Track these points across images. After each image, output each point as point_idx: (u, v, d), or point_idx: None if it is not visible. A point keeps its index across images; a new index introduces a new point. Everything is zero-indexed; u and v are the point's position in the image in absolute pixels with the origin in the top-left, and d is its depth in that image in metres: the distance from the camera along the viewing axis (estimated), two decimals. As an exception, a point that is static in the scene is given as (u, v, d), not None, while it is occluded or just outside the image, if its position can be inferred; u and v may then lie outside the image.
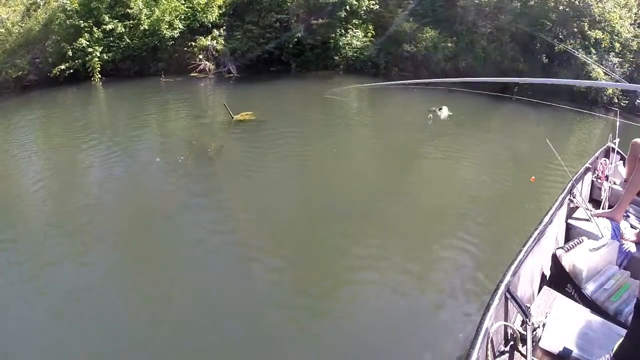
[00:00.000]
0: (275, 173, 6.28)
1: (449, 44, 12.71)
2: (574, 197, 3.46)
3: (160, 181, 6.04)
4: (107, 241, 4.52)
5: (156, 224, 4.91)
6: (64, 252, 4.32)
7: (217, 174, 6.28)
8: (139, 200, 5.53)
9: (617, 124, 4.49)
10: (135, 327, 3.37)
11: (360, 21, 13.60)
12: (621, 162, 4.32)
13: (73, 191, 5.66)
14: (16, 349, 3.18)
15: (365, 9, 13.33)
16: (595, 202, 3.93)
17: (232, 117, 8.47)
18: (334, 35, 13.14)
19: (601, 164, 4.15)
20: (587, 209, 3.36)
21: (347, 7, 12.78)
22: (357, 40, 13.28)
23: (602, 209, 3.64)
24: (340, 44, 13.17)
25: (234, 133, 8.05)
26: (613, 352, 1.98)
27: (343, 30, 13.34)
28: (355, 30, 13.46)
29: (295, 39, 12.72)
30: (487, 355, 1.98)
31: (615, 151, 4.29)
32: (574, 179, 3.57)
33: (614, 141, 4.34)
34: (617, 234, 3.12)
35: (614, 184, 3.97)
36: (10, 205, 5.40)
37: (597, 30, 11.80)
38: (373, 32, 13.44)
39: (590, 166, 4.09)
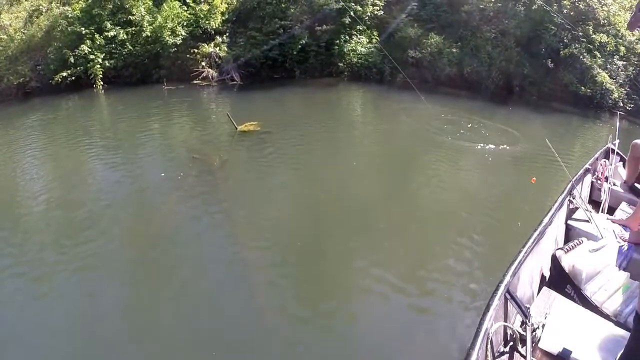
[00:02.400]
0: (280, 189, 6.24)
1: (454, 49, 12.80)
2: (573, 198, 3.53)
3: (161, 198, 5.93)
4: (106, 255, 4.52)
5: (156, 241, 4.87)
6: (61, 264, 4.35)
7: (220, 191, 6.16)
8: (138, 216, 5.50)
9: (617, 125, 4.55)
10: (136, 341, 3.41)
11: (365, 27, 13.72)
12: (621, 163, 4.39)
13: (71, 205, 5.63)
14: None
15: (369, 14, 13.44)
16: (594, 203, 3.98)
17: (236, 128, 8.38)
18: (338, 41, 13.26)
19: (601, 165, 4.21)
20: (587, 210, 3.42)
21: (352, 13, 12.91)
22: (362, 47, 13.37)
23: (602, 210, 3.69)
24: (345, 50, 13.25)
25: (238, 145, 7.98)
26: None
27: (347, 37, 13.45)
28: (359, 37, 13.57)
29: (300, 45, 12.80)
30: (486, 356, 2.02)
31: (615, 152, 4.35)
32: (573, 180, 3.64)
33: (614, 142, 4.40)
34: (617, 235, 3.17)
35: (614, 185, 4.02)
36: (7, 214, 5.46)
37: (601, 34, 11.90)
38: (377, 38, 13.51)
39: (590, 167, 4.16)
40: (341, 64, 13.26)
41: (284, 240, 4.87)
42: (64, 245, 4.69)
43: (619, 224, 3.34)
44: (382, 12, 13.61)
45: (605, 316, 2.47)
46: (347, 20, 13.04)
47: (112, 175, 6.54)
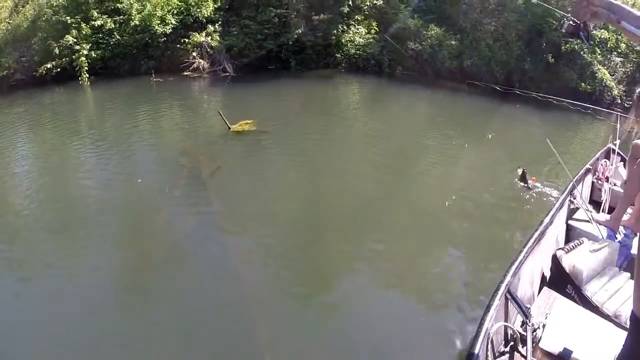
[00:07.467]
0: (280, 204, 5.71)
1: (453, 42, 12.87)
2: (574, 198, 3.63)
3: (146, 215, 5.43)
4: (83, 271, 4.30)
5: (141, 258, 4.58)
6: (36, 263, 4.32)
7: (212, 207, 5.54)
8: (119, 230, 5.13)
9: (618, 125, 4.67)
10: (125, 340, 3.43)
11: (363, 17, 13.70)
12: (622, 163, 4.50)
13: (46, 208, 5.43)
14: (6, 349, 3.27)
15: (368, 4, 13.47)
16: (595, 203, 4.09)
17: (229, 128, 7.84)
18: (335, 31, 13.22)
19: (602, 165, 4.33)
20: (588, 211, 3.52)
21: (350, 3, 12.90)
22: (360, 37, 13.35)
23: (603, 210, 3.80)
24: (342, 40, 13.23)
25: (231, 149, 7.47)
26: None
27: (345, 27, 13.41)
28: (357, 27, 13.55)
29: (295, 35, 12.72)
30: (487, 356, 2.09)
31: (616, 152, 4.47)
32: (574, 180, 3.75)
33: (615, 142, 4.52)
34: (615, 237, 3.28)
35: (615, 185, 4.13)
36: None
37: (602, 30, 12.14)
38: (376, 28, 13.49)
39: (591, 167, 4.27)
40: (338, 55, 13.22)
41: (283, 261, 4.54)
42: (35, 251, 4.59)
43: (604, 225, 3.45)
44: (381, 2, 13.58)
45: (606, 316, 2.56)
46: (346, 9, 13.05)
47: (92, 184, 6.10)
